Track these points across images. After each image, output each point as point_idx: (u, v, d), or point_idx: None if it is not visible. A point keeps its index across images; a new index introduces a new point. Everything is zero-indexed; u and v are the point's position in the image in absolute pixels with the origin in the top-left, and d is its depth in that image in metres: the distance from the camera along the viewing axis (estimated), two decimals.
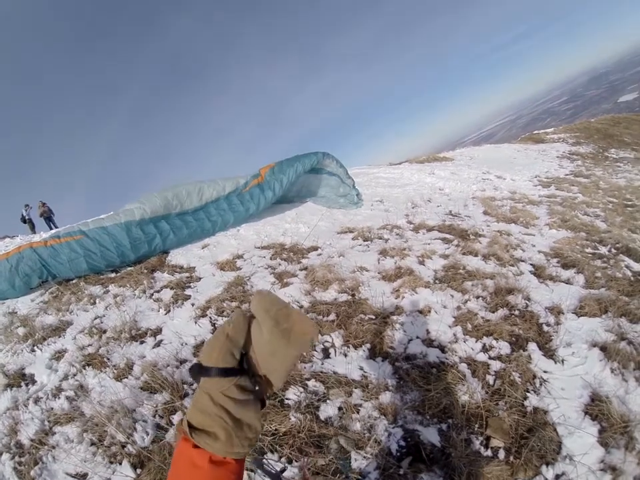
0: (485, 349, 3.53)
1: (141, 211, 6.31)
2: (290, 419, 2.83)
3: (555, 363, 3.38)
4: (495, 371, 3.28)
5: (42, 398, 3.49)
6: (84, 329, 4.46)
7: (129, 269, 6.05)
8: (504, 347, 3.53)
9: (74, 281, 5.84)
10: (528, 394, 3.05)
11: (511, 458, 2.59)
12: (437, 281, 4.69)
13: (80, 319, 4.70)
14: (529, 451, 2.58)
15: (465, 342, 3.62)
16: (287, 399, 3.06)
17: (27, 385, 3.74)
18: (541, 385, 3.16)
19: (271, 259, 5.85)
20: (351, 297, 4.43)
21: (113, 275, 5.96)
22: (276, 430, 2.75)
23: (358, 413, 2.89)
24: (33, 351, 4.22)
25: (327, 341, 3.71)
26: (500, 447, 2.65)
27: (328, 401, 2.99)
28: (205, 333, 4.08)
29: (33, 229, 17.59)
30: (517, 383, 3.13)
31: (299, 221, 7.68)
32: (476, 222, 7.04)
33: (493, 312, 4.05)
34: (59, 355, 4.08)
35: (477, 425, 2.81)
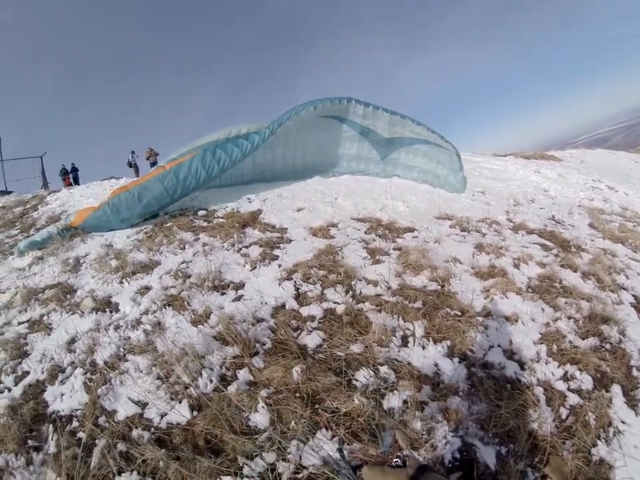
0: (565, 378, 3.38)
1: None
2: (354, 400, 2.86)
3: (636, 415, 3.15)
4: (571, 406, 3.13)
5: (122, 326, 3.86)
6: (170, 271, 4.81)
7: (221, 220, 6.41)
8: (586, 381, 3.36)
9: (168, 225, 6.36)
10: (598, 441, 2.88)
11: None
12: (529, 290, 4.58)
13: (168, 261, 5.09)
14: None
15: (546, 364, 3.48)
16: (355, 379, 3.08)
17: (110, 312, 4.16)
18: (614, 435, 2.97)
19: (365, 232, 5.96)
20: (440, 287, 4.42)
21: (205, 224, 6.36)
22: (337, 408, 2.80)
23: (422, 411, 2.88)
24: (121, 282, 4.68)
25: (408, 329, 3.70)
26: None
27: (395, 391, 2.99)
28: (287, 296, 4.14)
29: (137, 172, 19.80)
30: (590, 426, 2.97)
31: (399, 199, 7.78)
32: (580, 234, 6.76)
33: (583, 339, 3.86)
34: (143, 291, 4.46)
35: (537, 459, 2.71)
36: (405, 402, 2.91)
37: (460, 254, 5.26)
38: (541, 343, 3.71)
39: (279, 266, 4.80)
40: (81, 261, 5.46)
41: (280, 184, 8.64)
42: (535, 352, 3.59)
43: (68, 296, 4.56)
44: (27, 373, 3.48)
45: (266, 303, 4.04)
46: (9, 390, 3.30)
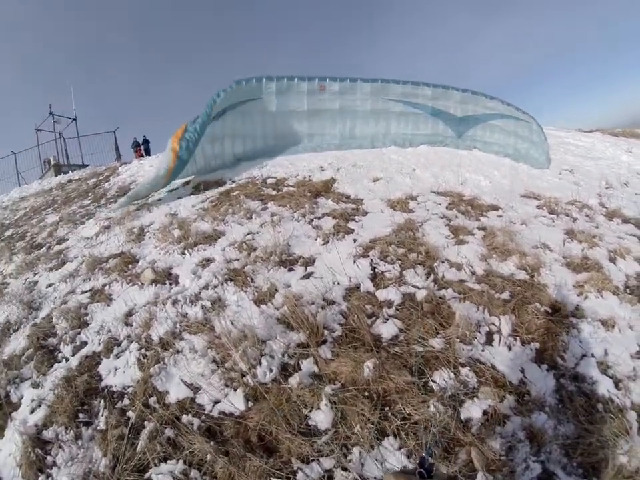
0: None
1: None
2: (429, 406, 2.63)
3: None
4: None
5: (180, 301, 3.79)
6: (235, 242, 4.69)
7: (292, 189, 6.24)
8: None
9: (235, 193, 6.30)
10: None
11: None
12: (627, 290, 4.08)
13: (233, 232, 4.98)
14: None
15: None
16: (433, 381, 2.83)
17: (170, 284, 4.13)
18: None
19: (447, 208, 5.72)
20: (529, 277, 4.06)
21: (274, 192, 6.21)
22: (409, 415, 2.59)
23: (503, 426, 2.61)
24: (183, 254, 4.64)
25: (494, 324, 3.38)
26: None
27: (475, 399, 2.73)
28: (362, 277, 3.84)
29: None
30: None
31: (479, 172, 7.56)
32: None
33: None
34: (205, 263, 4.37)
35: None
36: (484, 413, 2.66)
37: (549, 240, 4.89)
38: (639, 358, 3.27)
39: (354, 241, 4.51)
40: (145, 230, 5.57)
41: (354, 152, 8.55)
42: (632, 368, 3.16)
43: (130, 266, 4.64)
44: (85, 343, 3.57)
45: (338, 283, 3.77)
46: (67, 360, 3.41)
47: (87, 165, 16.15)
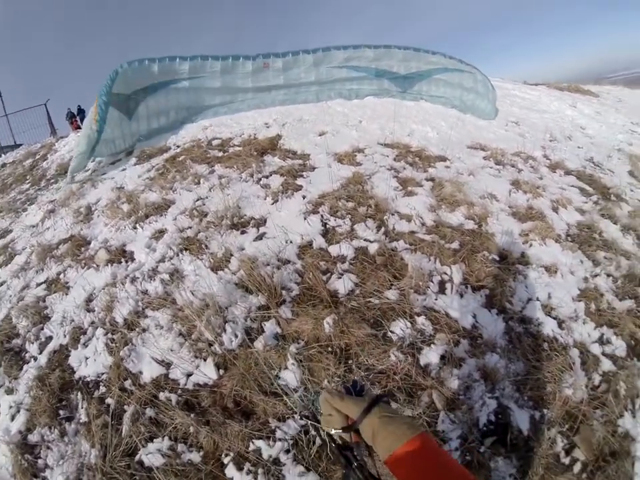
0: (601, 341, 3.30)
1: None
2: (390, 356, 2.80)
3: None
4: (604, 372, 3.09)
5: (138, 278, 3.78)
6: (185, 210, 4.65)
7: (238, 149, 6.13)
8: (620, 347, 3.26)
9: (181, 159, 6.14)
10: (625, 412, 2.87)
11: (584, 476, 2.54)
12: (568, 238, 4.45)
13: (182, 199, 4.92)
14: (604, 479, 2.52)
15: (584, 324, 3.39)
16: (391, 331, 2.99)
17: (126, 262, 4.09)
18: None
19: (394, 160, 5.76)
20: (477, 226, 4.29)
21: (220, 154, 6.10)
22: (372, 366, 2.75)
23: (459, 368, 2.83)
24: (135, 228, 4.57)
25: (445, 273, 3.56)
26: (579, 460, 2.60)
27: (432, 345, 2.92)
28: (313, 233, 3.93)
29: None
30: (620, 396, 2.94)
31: (426, 124, 7.62)
32: (620, 181, 6.31)
33: (620, 300, 3.68)
34: (158, 235, 4.34)
35: (567, 426, 2.73)
36: (442, 357, 2.86)
37: (496, 190, 5.12)
38: (579, 301, 3.58)
39: (303, 197, 4.57)
40: (93, 209, 5.39)
41: (299, 107, 8.51)
42: (573, 310, 3.48)
43: (82, 249, 4.53)
44: (50, 338, 3.52)
45: (291, 242, 3.85)
46: (35, 359, 3.36)
47: (20, 145, 14.98)
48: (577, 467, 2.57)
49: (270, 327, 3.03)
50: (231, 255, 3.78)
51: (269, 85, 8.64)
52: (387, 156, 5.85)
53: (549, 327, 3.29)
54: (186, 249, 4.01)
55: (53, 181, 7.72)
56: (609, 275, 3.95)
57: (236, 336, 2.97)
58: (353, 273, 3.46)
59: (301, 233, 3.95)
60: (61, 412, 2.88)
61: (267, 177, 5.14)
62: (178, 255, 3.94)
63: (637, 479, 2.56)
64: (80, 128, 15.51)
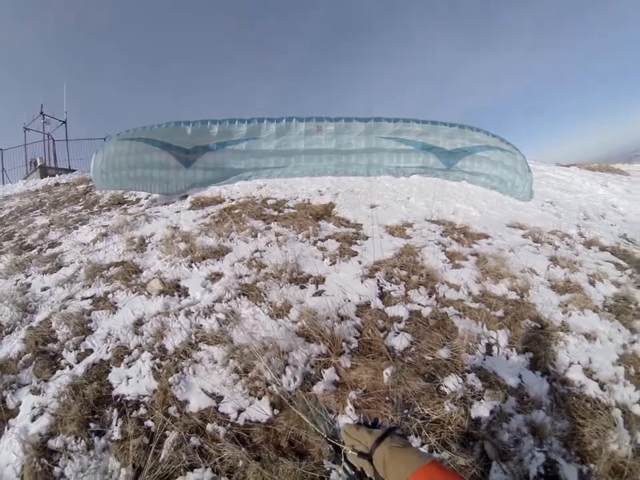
0: None
1: None
2: (444, 407, 2.86)
3: None
4: None
5: (193, 313, 3.77)
6: (243, 259, 4.72)
7: (292, 210, 6.33)
8: None
9: (236, 211, 6.32)
10: None
11: None
12: (606, 308, 4.54)
13: (239, 248, 5.01)
14: None
15: (624, 386, 3.43)
16: (444, 385, 3.07)
17: (179, 296, 4.10)
18: None
19: (441, 235, 6.01)
20: (519, 297, 4.45)
21: (275, 213, 6.29)
22: (427, 415, 2.80)
23: (508, 422, 2.91)
24: (190, 267, 4.63)
25: (492, 337, 3.72)
26: None
27: (482, 401, 3.00)
28: (371, 295, 3.98)
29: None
30: None
31: (469, 203, 7.96)
32: None
33: None
34: (214, 277, 4.38)
35: None
36: (491, 412, 2.93)
37: (535, 265, 5.28)
38: (619, 365, 3.66)
39: (359, 262, 4.65)
40: (147, 241, 5.51)
41: (350, 178, 8.85)
42: (613, 373, 3.56)
43: (134, 275, 4.57)
44: (91, 351, 3.47)
45: (349, 300, 3.89)
46: (71, 367, 3.30)
47: (74, 170, 15.66)
48: None
49: (329, 373, 3.00)
50: (291, 306, 3.80)
51: (320, 149, 8.87)
52: (434, 231, 6.09)
53: (591, 389, 3.35)
54: (244, 294, 4.03)
55: (106, 209, 7.98)
56: None
57: (295, 379, 2.92)
58: (407, 332, 3.54)
59: (358, 293, 3.99)
60: (92, 424, 2.75)
61: (322, 241, 5.25)
62: (235, 299, 3.96)
63: None
64: None
